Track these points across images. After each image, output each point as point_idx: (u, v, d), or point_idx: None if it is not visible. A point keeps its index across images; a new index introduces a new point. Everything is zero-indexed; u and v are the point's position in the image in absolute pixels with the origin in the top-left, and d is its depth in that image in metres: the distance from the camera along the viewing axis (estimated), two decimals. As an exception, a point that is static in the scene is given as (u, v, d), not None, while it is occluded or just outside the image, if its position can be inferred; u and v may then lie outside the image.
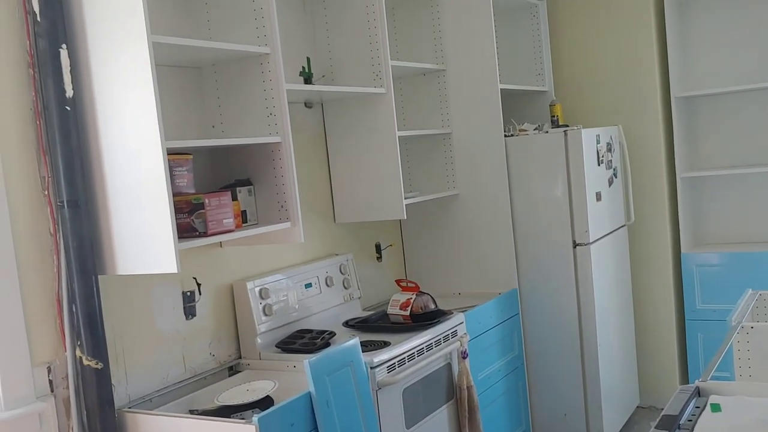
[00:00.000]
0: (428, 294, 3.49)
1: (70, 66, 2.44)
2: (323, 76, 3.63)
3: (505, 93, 4.13)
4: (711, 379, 2.24)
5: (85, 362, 2.50)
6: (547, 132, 4.01)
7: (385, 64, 3.51)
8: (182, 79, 2.95)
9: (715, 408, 2.09)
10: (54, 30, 2.41)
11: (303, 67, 3.45)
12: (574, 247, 3.93)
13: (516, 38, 4.57)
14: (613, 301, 4.25)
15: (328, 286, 3.53)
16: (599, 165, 4.09)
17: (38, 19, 2.39)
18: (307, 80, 3.45)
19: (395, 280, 3.70)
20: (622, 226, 4.44)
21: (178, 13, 2.95)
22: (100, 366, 2.51)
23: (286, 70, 2.99)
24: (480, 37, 3.96)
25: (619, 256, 4.37)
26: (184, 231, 2.59)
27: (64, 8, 2.45)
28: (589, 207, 3.90)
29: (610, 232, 4.22)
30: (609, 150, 4.25)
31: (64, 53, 2.43)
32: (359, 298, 3.73)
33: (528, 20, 4.55)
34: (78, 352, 2.50)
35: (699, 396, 2.20)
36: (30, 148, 2.46)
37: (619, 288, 4.36)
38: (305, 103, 3.63)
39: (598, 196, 4.04)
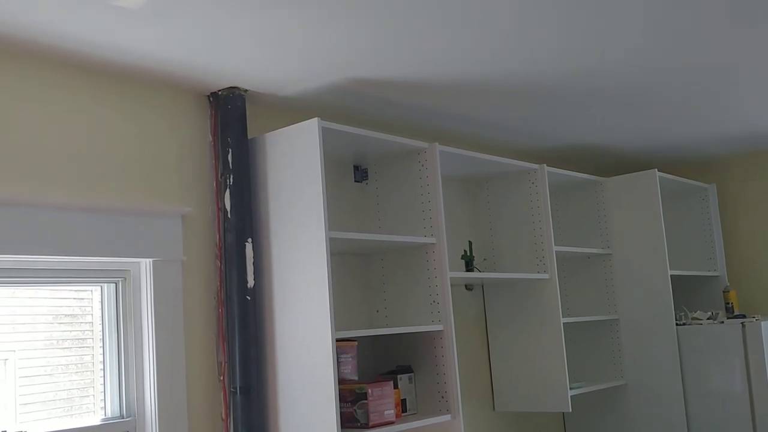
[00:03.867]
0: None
1: (254, 258, 2.61)
2: (485, 260, 3.66)
3: (675, 278, 3.97)
4: None
5: None
6: (722, 322, 3.78)
7: (548, 250, 3.49)
8: (350, 265, 3.07)
9: None
10: (242, 225, 2.60)
11: (465, 251, 3.50)
12: (759, 450, 3.58)
13: (685, 222, 4.44)
14: None
15: (486, 478, 3.38)
16: (783, 359, 3.77)
17: (228, 215, 2.59)
18: (468, 263, 3.48)
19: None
20: (813, 427, 4.00)
21: (352, 206, 3.11)
22: None
23: (448, 254, 3.04)
24: (647, 221, 3.89)
25: (811, 460, 3.92)
26: (347, 421, 2.59)
27: (252, 205, 2.66)
28: (773, 406, 3.57)
29: (800, 434, 3.82)
30: (793, 342, 3.92)
31: (249, 246, 2.60)
32: (519, 493, 3.53)
33: (697, 204, 4.43)
34: None
35: None
36: (211, 335, 2.60)
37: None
38: (466, 286, 3.65)
39: (784, 394, 3.70)
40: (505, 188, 3.64)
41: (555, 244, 3.57)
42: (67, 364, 2.42)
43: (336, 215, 2.99)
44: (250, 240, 2.61)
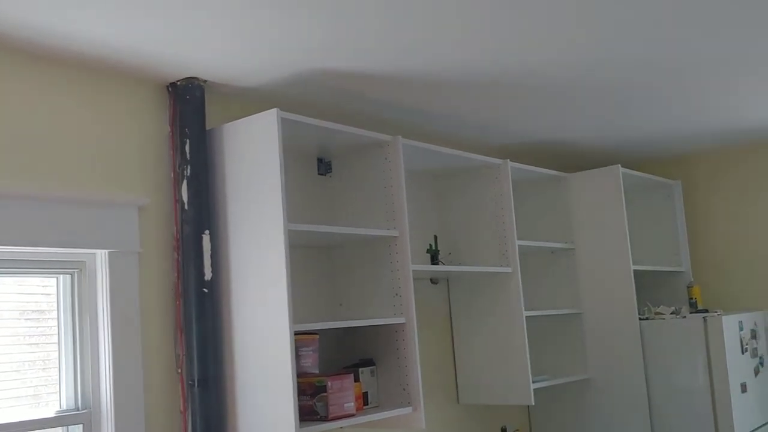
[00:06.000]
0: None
1: (211, 250, 2.59)
2: (450, 254, 3.66)
3: (639, 274, 4.00)
4: None
5: None
6: (684, 317, 3.81)
7: (511, 244, 3.50)
8: (313, 259, 3.05)
9: None
10: (199, 217, 2.58)
11: (430, 245, 3.50)
12: (720, 444, 3.62)
13: (651, 218, 4.47)
14: (767, 505, 3.82)
15: (449, 472, 3.38)
16: (743, 353, 3.82)
17: (186, 207, 2.57)
18: (434, 257, 3.48)
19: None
20: (773, 420, 4.06)
21: (315, 199, 3.09)
22: None
23: (412, 246, 3.04)
24: (610, 216, 3.91)
25: (771, 454, 3.98)
26: (306, 414, 2.58)
27: (210, 197, 2.64)
28: (733, 399, 3.61)
29: (760, 428, 3.87)
30: (753, 337, 3.97)
31: (206, 238, 2.58)
32: (482, 486, 3.54)
33: (663, 200, 4.47)
34: None
35: None
36: (168, 328, 2.58)
37: (773, 491, 3.93)
38: (431, 280, 3.65)
39: (743, 388, 3.75)
40: (469, 183, 3.65)
41: (519, 239, 3.58)
42: (34, 360, 2.39)
43: (299, 208, 2.98)
44: (207, 232, 2.59)
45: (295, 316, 2.53)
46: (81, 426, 2.39)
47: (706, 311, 3.90)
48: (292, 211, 2.84)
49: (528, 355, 3.45)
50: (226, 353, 2.60)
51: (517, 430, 3.97)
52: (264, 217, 2.51)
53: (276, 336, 2.47)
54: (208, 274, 2.58)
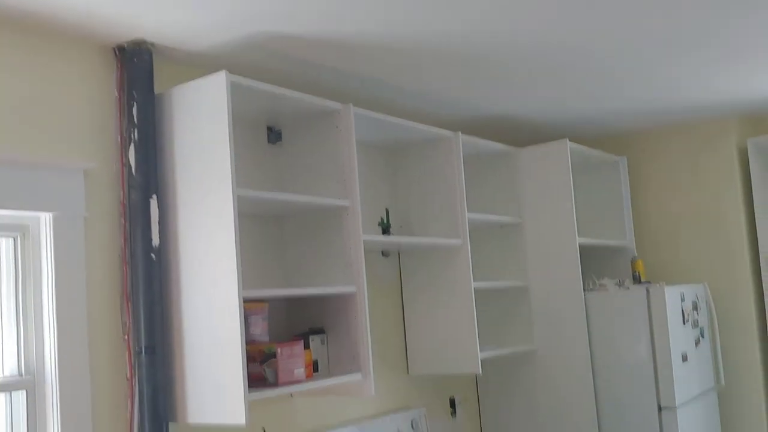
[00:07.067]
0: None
1: (159, 216, 2.55)
2: (401, 227, 3.68)
3: (585, 248, 4.07)
4: None
5: None
6: (628, 288, 3.90)
7: (462, 217, 3.54)
8: (263, 228, 3.04)
9: None
10: (146, 182, 2.54)
11: (382, 218, 3.51)
12: (660, 411, 3.71)
13: (596, 193, 4.55)
14: (704, 471, 3.95)
15: (399, 441, 3.42)
16: (684, 324, 3.93)
17: (133, 172, 2.53)
18: (385, 230, 3.50)
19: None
20: (712, 391, 4.18)
21: (265, 168, 3.07)
22: None
23: (364, 219, 3.05)
24: (558, 190, 3.97)
25: (709, 422, 4.10)
26: (255, 381, 2.57)
27: (158, 162, 2.60)
28: (674, 368, 3.72)
29: (699, 395, 3.99)
30: (695, 309, 4.09)
31: (154, 204, 2.55)
32: (431, 455, 3.59)
33: (608, 175, 4.55)
34: (142, 502, 2.46)
35: None
36: (115, 294, 2.54)
37: (711, 458, 4.06)
38: (382, 252, 3.67)
39: (684, 357, 3.86)
40: (421, 156, 3.66)
41: (469, 212, 3.61)
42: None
43: (248, 177, 2.95)
44: (155, 197, 2.56)
45: (245, 283, 2.51)
46: (24, 392, 2.34)
47: (649, 283, 4.00)
48: (242, 179, 2.81)
49: (476, 326, 3.49)
50: (175, 320, 2.57)
51: (464, 399, 4.03)
52: (213, 183, 2.49)
53: (225, 303, 2.45)
54: (155, 240, 2.54)
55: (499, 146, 3.97)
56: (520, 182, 4.08)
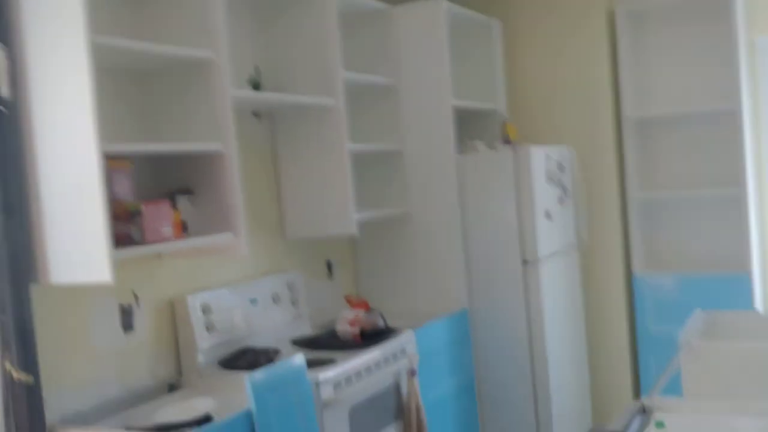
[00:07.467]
0: (377, 311, 3.44)
1: (8, 66, 2.35)
2: (274, 87, 3.57)
3: (460, 111, 4.11)
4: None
5: (15, 376, 2.38)
6: (496, 150, 4.00)
7: (336, 76, 3.47)
8: (125, 85, 2.87)
9: (659, 425, 2.08)
10: (-11, 28, 2.32)
11: (251, 75, 3.39)
12: (524, 264, 3.91)
13: (471, 56, 4.56)
14: (565, 321, 4.24)
15: (275, 303, 3.45)
16: (549, 184, 4.09)
17: (-28, 16, 2.30)
18: (256, 88, 3.39)
19: (345, 297, 3.63)
20: (573, 247, 4.44)
21: (119, 13, 2.87)
22: (31, 380, 2.40)
23: (235, 78, 2.93)
24: (433, 53, 3.95)
25: (570, 276, 4.37)
26: (122, 240, 2.49)
27: (3, 5, 2.36)
28: (537, 225, 3.90)
29: (560, 251, 4.22)
30: (560, 169, 4.26)
31: (0, 52, 2.34)
32: (308, 316, 3.65)
33: (483, 38, 4.55)
34: (7, 366, 2.38)
35: (645, 413, 2.18)
36: (-41, 151, 2.36)
37: (571, 309, 4.35)
38: (254, 113, 3.56)
39: (548, 215, 4.04)
40: (293, 11, 3.52)
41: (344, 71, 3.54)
42: None
43: (105, 26, 2.74)
44: (1, 45, 2.34)
45: (107, 139, 2.38)
46: None
47: (517, 145, 4.11)
48: (98, 28, 2.61)
49: (351, 188, 3.50)
50: (30, 179, 2.41)
51: (339, 261, 4.09)
52: (67, 28, 2.29)
53: (83, 158, 2.32)
54: (5, 92, 2.35)
55: (372, 3, 3.87)
56: (396, 42, 4.02)
